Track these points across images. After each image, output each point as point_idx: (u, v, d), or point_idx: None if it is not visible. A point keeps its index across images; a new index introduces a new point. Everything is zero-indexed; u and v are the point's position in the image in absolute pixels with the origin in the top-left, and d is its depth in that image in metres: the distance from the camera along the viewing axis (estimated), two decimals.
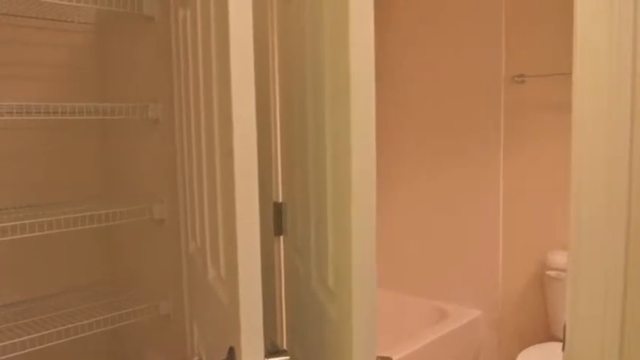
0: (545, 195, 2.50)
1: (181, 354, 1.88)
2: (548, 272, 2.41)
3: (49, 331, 1.74)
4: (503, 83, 2.57)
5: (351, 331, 1.11)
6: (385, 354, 2.26)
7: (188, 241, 1.63)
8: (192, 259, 1.56)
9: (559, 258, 2.38)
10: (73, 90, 2.14)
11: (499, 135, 2.59)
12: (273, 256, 1.58)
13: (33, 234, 1.72)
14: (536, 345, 2.35)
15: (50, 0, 1.70)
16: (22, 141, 2.05)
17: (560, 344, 2.30)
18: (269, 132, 1.58)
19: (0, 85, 1.97)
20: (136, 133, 2.01)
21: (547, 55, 2.44)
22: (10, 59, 1.99)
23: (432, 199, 2.85)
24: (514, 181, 2.58)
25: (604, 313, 1.14)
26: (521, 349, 2.56)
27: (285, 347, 1.61)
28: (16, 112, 1.73)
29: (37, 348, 1.71)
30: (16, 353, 1.68)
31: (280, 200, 1.57)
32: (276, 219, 1.56)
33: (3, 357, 1.69)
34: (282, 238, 1.59)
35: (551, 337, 2.49)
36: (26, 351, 1.69)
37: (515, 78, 2.52)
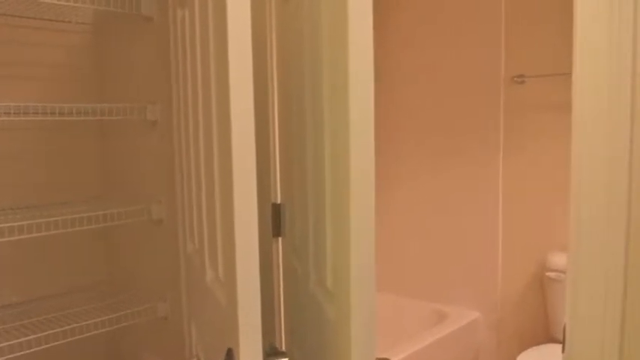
0: (545, 196, 2.50)
1: (179, 356, 1.87)
2: (547, 274, 2.40)
3: (46, 333, 1.73)
4: (502, 83, 2.56)
5: (350, 332, 1.10)
6: (384, 356, 2.25)
7: (186, 242, 1.62)
8: (191, 259, 1.56)
9: (559, 259, 2.37)
10: (71, 90, 2.14)
11: (498, 135, 2.59)
12: (271, 257, 1.58)
13: (31, 235, 1.71)
14: (536, 347, 2.34)
15: (48, 0, 1.70)
16: (20, 142, 2.04)
17: (560, 346, 2.29)
18: (267, 132, 1.58)
19: None
20: (134, 134, 2.01)
21: (547, 56, 2.44)
22: (7, 59, 1.99)
23: (431, 200, 2.84)
24: (514, 182, 2.58)
25: (604, 315, 1.14)
26: (520, 351, 2.55)
27: (283, 349, 1.60)
28: (14, 113, 1.73)
29: (33, 350, 1.70)
30: (13, 354, 1.67)
31: (279, 201, 1.57)
32: (274, 220, 1.55)
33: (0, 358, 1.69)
34: (280, 239, 1.58)
35: (550, 339, 2.49)
36: (22, 353, 1.68)
37: (515, 78, 2.52)
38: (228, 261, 1.09)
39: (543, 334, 2.56)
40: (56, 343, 1.75)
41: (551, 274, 2.38)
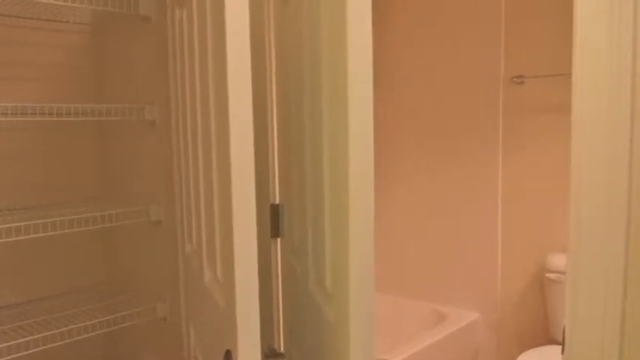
0: (545, 196, 2.49)
1: (178, 357, 1.87)
2: (547, 275, 2.40)
3: (44, 334, 1.72)
4: (502, 84, 2.56)
5: (349, 333, 1.10)
6: (383, 357, 2.25)
7: (185, 243, 1.62)
8: (189, 260, 1.55)
9: (558, 260, 2.37)
10: (69, 91, 2.13)
11: (498, 136, 2.58)
12: (270, 258, 1.57)
13: (28, 236, 1.71)
14: (536, 348, 2.34)
15: (45, 0, 1.69)
16: (18, 142, 2.04)
17: (560, 347, 2.29)
18: (266, 133, 1.58)
19: None
20: (132, 135, 2.01)
21: (546, 56, 2.43)
22: (5, 60, 1.98)
23: (431, 201, 2.84)
24: (513, 183, 2.58)
25: (604, 316, 1.13)
26: (520, 352, 2.54)
27: (282, 350, 1.60)
28: (12, 114, 1.72)
29: (31, 351, 1.70)
30: (11, 356, 1.66)
31: (277, 202, 1.57)
32: (273, 221, 1.55)
33: None
34: (279, 239, 1.58)
35: (550, 340, 2.49)
36: (20, 354, 1.67)
37: (514, 79, 2.52)
38: (226, 262, 1.09)
39: (543, 335, 2.56)
40: (54, 345, 1.75)
41: (551, 275, 2.38)
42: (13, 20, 1.96)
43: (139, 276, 2.08)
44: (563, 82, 2.37)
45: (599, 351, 1.15)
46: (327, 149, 1.19)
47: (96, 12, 2.02)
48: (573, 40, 1.13)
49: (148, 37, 1.85)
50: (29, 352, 1.70)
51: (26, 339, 1.69)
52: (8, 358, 1.66)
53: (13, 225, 1.68)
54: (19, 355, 1.68)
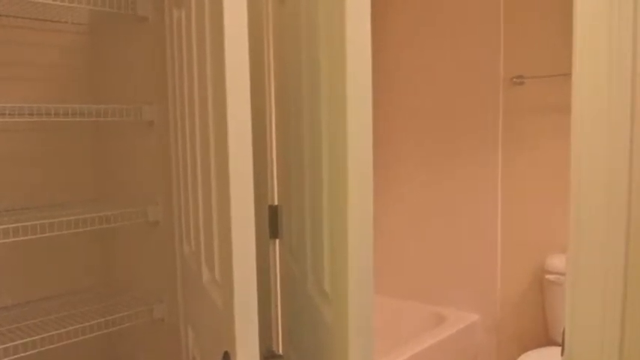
0: (544, 197, 2.49)
1: (176, 358, 1.86)
2: (547, 276, 2.39)
3: (41, 335, 1.72)
4: (501, 84, 2.56)
5: (348, 335, 1.10)
6: (382, 359, 2.24)
7: (182, 244, 1.62)
8: (187, 261, 1.55)
9: (558, 262, 2.36)
10: (67, 91, 2.13)
11: (497, 136, 2.58)
12: (268, 260, 1.57)
13: (26, 237, 1.70)
14: (535, 349, 2.33)
15: (43, 0, 1.69)
16: (14, 143, 2.03)
17: (559, 349, 2.28)
18: (264, 134, 1.57)
19: None
20: (130, 135, 2.00)
21: (546, 56, 2.43)
22: (1, 60, 1.97)
23: (430, 202, 2.84)
24: (513, 183, 2.57)
25: (603, 317, 1.13)
26: (519, 354, 2.54)
27: (280, 352, 1.60)
28: (9, 114, 1.71)
29: (28, 353, 1.69)
30: (8, 358, 1.66)
31: (276, 203, 1.56)
32: (271, 222, 1.55)
33: None
34: (277, 241, 1.57)
35: (550, 342, 2.48)
36: (17, 356, 1.67)
37: (514, 79, 2.52)
38: (224, 263, 1.09)
39: (543, 336, 2.56)
40: (52, 346, 1.74)
41: (551, 277, 2.37)
42: (10, 20, 1.96)
43: (137, 277, 2.07)
44: (563, 82, 2.37)
45: (599, 352, 1.15)
46: (325, 150, 1.19)
47: (93, 12, 2.01)
48: (573, 40, 1.13)
49: (146, 37, 1.84)
50: (27, 353, 1.69)
51: (23, 341, 1.69)
52: (5, 359, 1.66)
53: (10, 226, 1.67)
54: (16, 356, 1.67)
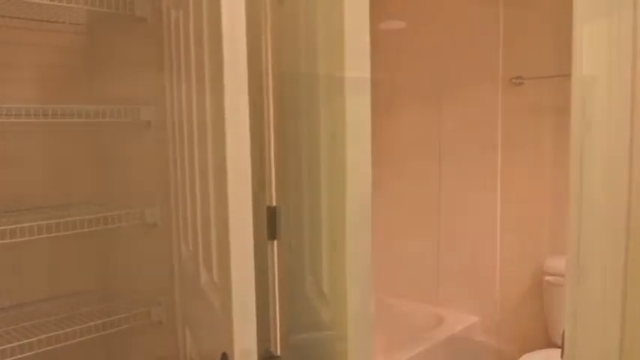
0: (544, 198, 2.48)
1: None
2: (546, 278, 2.39)
3: (38, 337, 1.71)
4: (500, 85, 2.55)
5: (346, 336, 1.09)
6: None
7: (180, 245, 1.61)
8: (185, 263, 1.54)
9: (558, 263, 2.36)
10: (64, 92, 2.12)
11: (497, 137, 2.58)
12: (266, 260, 1.56)
13: (23, 238, 1.69)
14: (535, 351, 2.33)
15: (40, 1, 1.68)
16: (11, 144, 2.02)
17: (559, 351, 2.28)
18: (262, 134, 1.57)
19: None
20: (128, 136, 2.00)
21: (545, 57, 2.43)
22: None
23: (429, 202, 2.83)
24: (512, 184, 2.57)
25: (603, 318, 1.12)
26: (519, 356, 2.53)
27: (278, 353, 1.59)
28: (6, 115, 1.71)
29: (25, 354, 1.69)
30: None
31: (274, 204, 1.56)
32: (269, 223, 1.54)
33: None
34: (275, 242, 1.57)
35: (549, 344, 2.48)
36: (14, 358, 1.66)
37: (513, 80, 2.51)
38: (222, 264, 1.08)
39: (542, 338, 2.55)
40: (49, 348, 1.73)
41: (550, 278, 2.37)
42: (7, 20, 1.95)
43: (135, 279, 2.06)
44: (563, 83, 2.36)
45: (600, 354, 1.14)
46: (324, 150, 1.18)
47: (91, 12, 2.01)
48: (573, 40, 1.12)
49: (144, 37, 1.84)
50: (24, 355, 1.69)
51: (20, 342, 1.68)
52: None
53: (8, 227, 1.67)
54: (13, 358, 1.66)
